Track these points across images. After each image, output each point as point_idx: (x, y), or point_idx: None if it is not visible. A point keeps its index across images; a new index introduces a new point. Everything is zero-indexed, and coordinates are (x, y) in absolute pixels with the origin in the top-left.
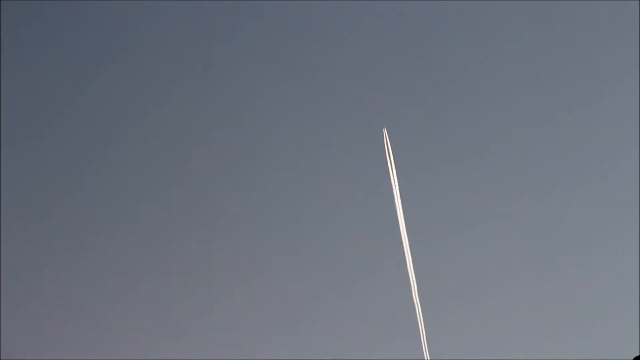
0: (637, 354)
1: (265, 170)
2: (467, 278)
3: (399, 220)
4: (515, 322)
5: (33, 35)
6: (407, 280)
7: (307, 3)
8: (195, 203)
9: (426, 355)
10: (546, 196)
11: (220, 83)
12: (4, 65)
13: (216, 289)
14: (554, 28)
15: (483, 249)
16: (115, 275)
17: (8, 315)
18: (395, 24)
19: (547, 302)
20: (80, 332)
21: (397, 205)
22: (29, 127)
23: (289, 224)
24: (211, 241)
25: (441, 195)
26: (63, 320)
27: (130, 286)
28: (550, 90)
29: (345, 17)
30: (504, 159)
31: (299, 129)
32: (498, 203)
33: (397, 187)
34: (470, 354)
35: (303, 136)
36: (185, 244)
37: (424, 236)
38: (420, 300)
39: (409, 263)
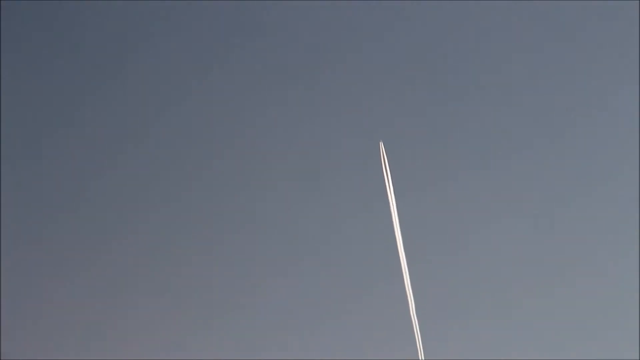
0: (638, 357)
1: (259, 182)
2: (464, 283)
3: (394, 225)
4: (515, 322)
5: (33, 35)
6: (404, 290)
7: (301, 12)
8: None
9: (421, 355)
10: (547, 214)
11: (208, 105)
12: (4, 65)
13: (216, 292)
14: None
15: (482, 251)
16: (116, 275)
17: (8, 315)
18: (395, 33)
19: (547, 304)
20: (81, 332)
21: (392, 208)
22: (29, 127)
23: (284, 233)
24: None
25: (440, 200)
26: (63, 320)
27: (132, 286)
28: (553, 99)
29: (341, 26)
30: (504, 174)
31: (297, 140)
32: (497, 213)
33: (393, 196)
34: (467, 355)
35: (300, 146)
36: (185, 245)
37: (419, 242)
38: (415, 306)
39: (406, 280)
